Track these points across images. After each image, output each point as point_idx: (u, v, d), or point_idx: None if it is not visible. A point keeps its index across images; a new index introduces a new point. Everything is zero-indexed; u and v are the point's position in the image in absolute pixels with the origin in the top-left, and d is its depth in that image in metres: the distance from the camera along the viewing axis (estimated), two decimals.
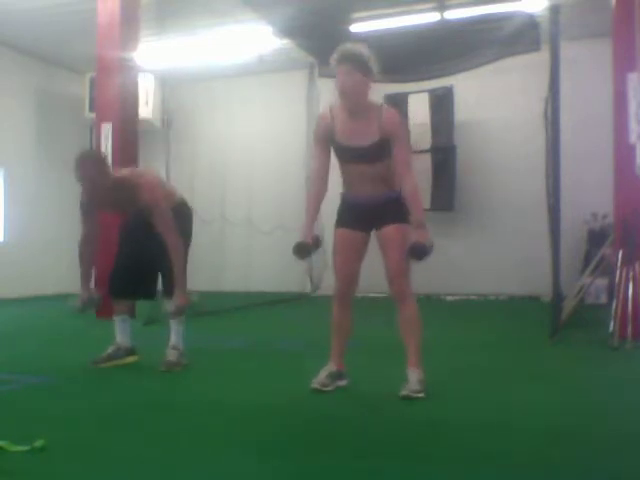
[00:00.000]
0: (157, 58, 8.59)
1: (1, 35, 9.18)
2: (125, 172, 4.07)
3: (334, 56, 3.13)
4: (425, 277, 9.63)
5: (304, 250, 3.17)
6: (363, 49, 3.15)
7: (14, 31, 8.99)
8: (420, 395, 3.11)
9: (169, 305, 3.75)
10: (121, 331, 4.14)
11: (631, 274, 5.10)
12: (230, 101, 10.97)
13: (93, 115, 7.52)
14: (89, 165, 3.74)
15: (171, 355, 3.95)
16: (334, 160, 3.32)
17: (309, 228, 3.26)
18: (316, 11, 7.56)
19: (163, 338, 4.05)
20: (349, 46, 3.16)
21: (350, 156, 3.25)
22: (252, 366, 4.22)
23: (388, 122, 3.16)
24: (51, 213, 10.33)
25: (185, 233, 4.01)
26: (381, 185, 3.26)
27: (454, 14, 7.67)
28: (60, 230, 10.41)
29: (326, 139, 3.28)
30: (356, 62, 3.10)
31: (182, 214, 4.06)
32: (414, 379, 3.15)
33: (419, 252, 3.11)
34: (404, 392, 3.10)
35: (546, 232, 5.51)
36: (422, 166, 9.65)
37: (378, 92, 9.54)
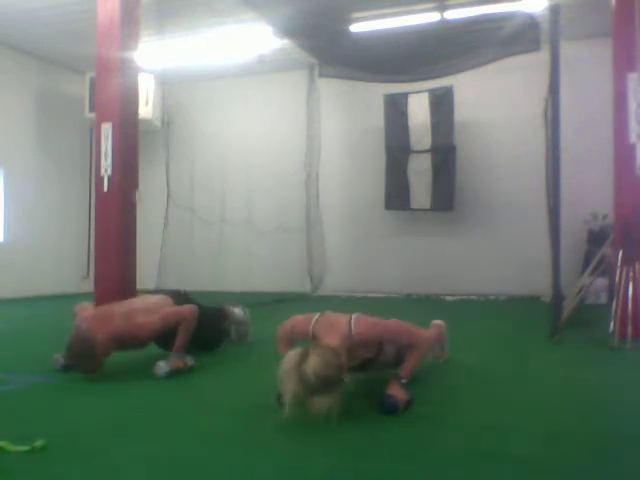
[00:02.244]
0: (157, 58, 8.59)
1: (1, 35, 9.19)
2: (118, 319, 3.81)
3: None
4: (425, 277, 9.74)
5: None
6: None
7: (14, 31, 8.99)
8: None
9: (164, 365, 3.71)
10: None
11: (631, 274, 5.10)
12: (230, 101, 10.97)
13: (93, 115, 7.51)
14: (83, 364, 3.65)
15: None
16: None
17: None
18: (316, 11, 7.56)
19: None
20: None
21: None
22: (252, 366, 4.22)
23: (366, 338, 3.03)
24: (51, 213, 10.34)
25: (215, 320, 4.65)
26: None
27: (454, 14, 7.67)
28: (60, 230, 10.44)
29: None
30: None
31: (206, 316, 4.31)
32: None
33: (389, 407, 2.84)
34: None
35: (546, 232, 5.50)
36: (422, 166, 9.67)
37: (378, 92, 9.64)
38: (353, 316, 3.08)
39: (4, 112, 9.67)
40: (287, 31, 8.19)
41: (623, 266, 5.16)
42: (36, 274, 9.79)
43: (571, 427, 2.70)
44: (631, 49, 5.29)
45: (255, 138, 10.93)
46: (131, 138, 7.11)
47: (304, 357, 2.61)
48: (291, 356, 2.66)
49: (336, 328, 3.00)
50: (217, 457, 2.33)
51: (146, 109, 9.56)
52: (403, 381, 2.95)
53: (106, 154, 6.91)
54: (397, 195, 9.82)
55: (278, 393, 2.76)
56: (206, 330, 4.37)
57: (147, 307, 4.01)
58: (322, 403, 2.59)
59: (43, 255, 10.00)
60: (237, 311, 5.10)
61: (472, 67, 8.13)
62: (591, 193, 8.34)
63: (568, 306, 5.87)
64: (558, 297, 5.42)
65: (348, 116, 10.48)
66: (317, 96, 10.34)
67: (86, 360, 3.59)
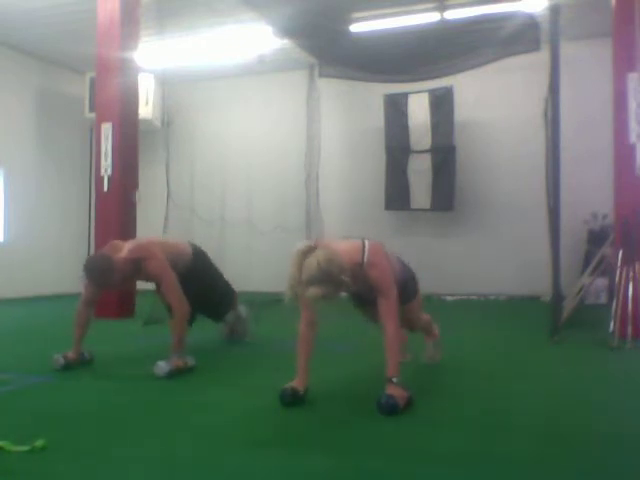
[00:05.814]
0: (157, 58, 8.59)
1: (1, 35, 9.18)
2: (129, 249, 4.02)
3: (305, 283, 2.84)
4: (425, 277, 9.71)
5: (294, 396, 3.02)
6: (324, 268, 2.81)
7: (14, 31, 8.98)
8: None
9: (164, 365, 3.71)
10: None
11: (631, 274, 5.11)
12: (230, 101, 10.97)
13: (93, 115, 7.51)
14: (99, 276, 3.86)
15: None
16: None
17: (303, 377, 3.10)
18: (316, 11, 7.55)
19: (163, 338, 4.05)
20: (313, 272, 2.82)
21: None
22: (252, 366, 4.22)
23: (371, 274, 3.04)
24: (51, 213, 10.33)
25: (213, 271, 4.83)
26: None
27: (454, 14, 7.66)
28: (60, 230, 10.44)
29: None
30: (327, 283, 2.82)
31: (201, 262, 4.66)
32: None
33: (389, 407, 2.83)
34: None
35: (546, 232, 5.51)
36: (422, 166, 9.67)
37: (378, 92, 9.63)
38: (366, 248, 3.08)
39: (4, 112, 9.66)
40: (287, 31, 8.19)
41: (623, 266, 5.16)
42: (36, 274, 9.78)
43: (571, 427, 2.70)
44: (631, 49, 5.30)
45: (255, 138, 10.93)
46: (131, 138, 7.12)
47: (311, 249, 2.89)
48: (300, 246, 2.93)
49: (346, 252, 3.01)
50: (217, 457, 2.33)
51: (146, 109, 9.56)
52: (394, 380, 2.93)
53: (106, 154, 6.92)
54: (397, 195, 9.81)
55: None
56: (216, 298, 4.86)
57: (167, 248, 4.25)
58: (317, 291, 2.79)
59: (43, 255, 9.99)
60: (241, 308, 5.11)
61: (472, 67, 8.12)
62: (591, 193, 8.33)
63: (568, 306, 5.88)
64: (558, 297, 5.42)
65: (348, 116, 10.48)
66: (317, 96, 10.34)
67: (104, 273, 3.80)
